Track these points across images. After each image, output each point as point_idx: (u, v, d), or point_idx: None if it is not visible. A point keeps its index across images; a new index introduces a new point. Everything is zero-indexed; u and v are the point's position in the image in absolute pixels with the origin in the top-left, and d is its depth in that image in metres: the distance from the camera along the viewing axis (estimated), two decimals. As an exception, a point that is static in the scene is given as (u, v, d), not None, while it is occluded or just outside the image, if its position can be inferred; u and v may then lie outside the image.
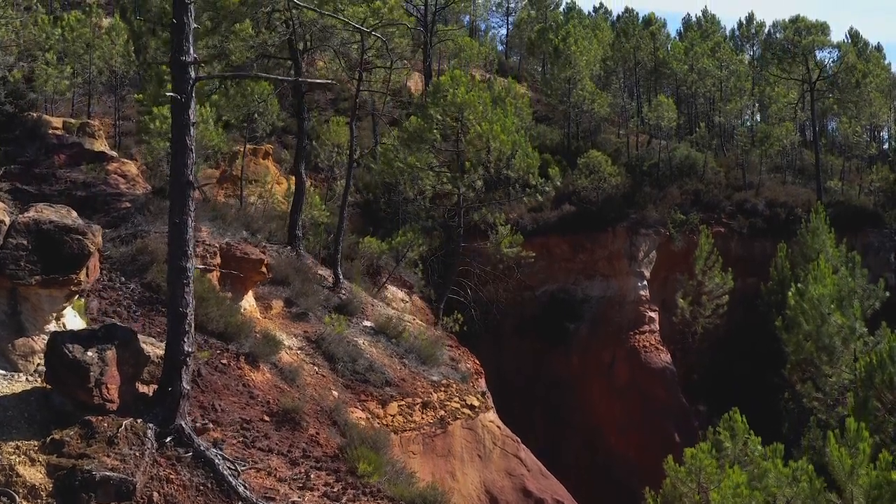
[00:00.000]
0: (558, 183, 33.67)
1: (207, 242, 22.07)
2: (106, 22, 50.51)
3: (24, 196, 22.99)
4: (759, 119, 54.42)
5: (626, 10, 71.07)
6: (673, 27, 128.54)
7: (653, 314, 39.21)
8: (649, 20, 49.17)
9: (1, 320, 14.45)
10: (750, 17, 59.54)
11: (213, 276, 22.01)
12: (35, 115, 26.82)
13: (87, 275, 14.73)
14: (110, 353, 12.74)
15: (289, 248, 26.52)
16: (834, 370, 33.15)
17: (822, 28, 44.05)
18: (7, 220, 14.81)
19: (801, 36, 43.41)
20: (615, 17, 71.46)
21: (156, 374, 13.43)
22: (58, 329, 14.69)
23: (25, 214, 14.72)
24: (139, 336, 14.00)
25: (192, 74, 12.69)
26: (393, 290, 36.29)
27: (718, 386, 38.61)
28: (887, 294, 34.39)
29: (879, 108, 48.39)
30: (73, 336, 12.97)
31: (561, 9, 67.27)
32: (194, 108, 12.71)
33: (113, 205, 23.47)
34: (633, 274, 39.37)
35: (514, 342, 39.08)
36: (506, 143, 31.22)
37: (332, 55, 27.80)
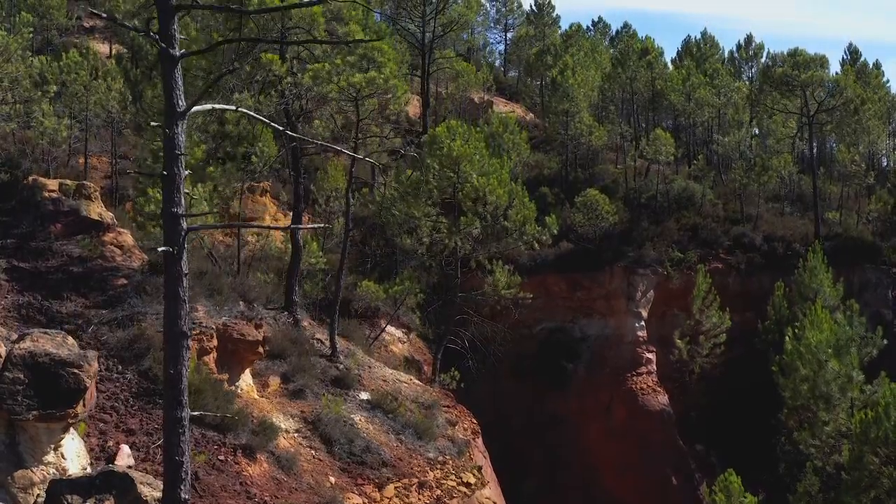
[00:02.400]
0: (555, 231, 33.62)
1: (204, 325, 22.10)
2: (103, 49, 50.59)
3: (20, 275, 23.01)
4: (757, 133, 54.27)
5: (625, 25, 70.92)
6: (672, 36, 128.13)
7: (650, 355, 39.31)
8: (646, 49, 48.96)
9: (0, 451, 14.53)
10: (749, 39, 59.46)
11: (210, 359, 22.09)
12: (30, 179, 26.71)
13: (84, 405, 14.79)
14: (107, 504, 12.81)
15: (286, 313, 26.56)
16: (830, 416, 33.25)
17: (821, 62, 43.94)
18: (3, 351, 14.87)
19: (799, 70, 43.31)
20: (614, 32, 71.45)
21: (153, 516, 13.49)
22: (56, 460, 14.78)
23: (21, 345, 14.75)
24: (135, 473, 14.08)
25: (184, 226, 12.67)
26: (391, 331, 36.41)
27: (716, 425, 38.76)
28: (885, 342, 34.43)
29: (878, 135, 48.31)
30: (72, 485, 13.04)
31: (560, 24, 67.08)
32: (186, 258, 12.71)
33: (109, 281, 23.45)
34: (630, 314, 39.45)
35: (513, 381, 39.16)
36: (502, 196, 31.24)
37: (328, 115, 27.73)
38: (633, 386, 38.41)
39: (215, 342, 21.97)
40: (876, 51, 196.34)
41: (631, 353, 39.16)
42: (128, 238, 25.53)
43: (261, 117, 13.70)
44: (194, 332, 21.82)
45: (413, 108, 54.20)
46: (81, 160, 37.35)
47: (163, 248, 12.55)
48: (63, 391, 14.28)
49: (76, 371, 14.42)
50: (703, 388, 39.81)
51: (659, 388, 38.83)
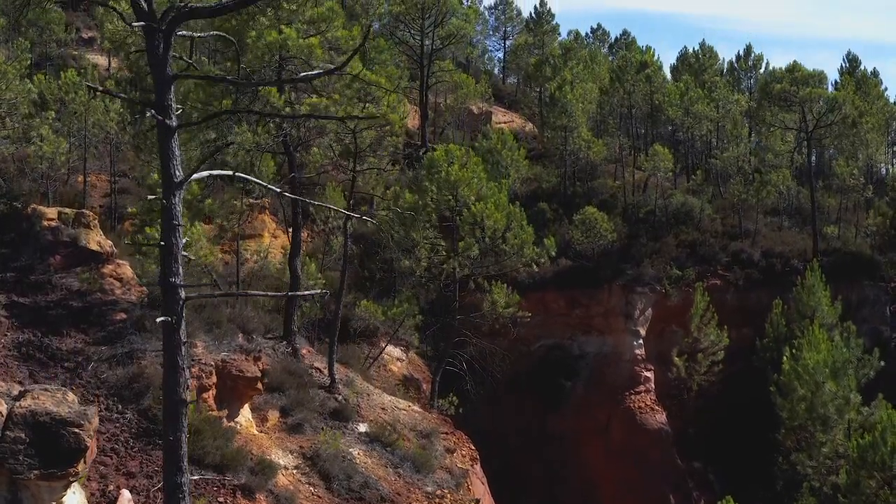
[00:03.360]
0: (553, 253, 33.71)
1: (203, 361, 22.23)
2: (101, 61, 50.51)
3: (20, 311, 23.10)
4: (758, 142, 54.28)
5: (624, 32, 70.93)
6: (672, 37, 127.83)
7: (648, 373, 39.45)
8: (645, 63, 48.96)
9: (1, 508, 14.67)
10: (748, 50, 59.43)
11: (210, 396, 22.22)
12: (30, 209, 26.78)
13: (85, 461, 14.94)
14: (106, 571, 12.92)
15: (284, 342, 26.67)
16: (827, 437, 33.42)
17: (819, 77, 43.99)
18: (4, 410, 14.98)
19: (798, 86, 43.36)
20: (613, 39, 71.41)
21: (152, 579, 13.62)
22: (56, 516, 14.89)
23: (22, 403, 14.89)
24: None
25: (182, 295, 12.77)
26: (390, 349, 36.53)
27: (714, 442, 38.92)
28: (882, 363, 34.58)
29: (876, 148, 48.39)
30: (70, 550, 13.15)
31: (559, 32, 66.84)
32: (184, 327, 12.80)
33: (108, 316, 23.55)
34: (628, 332, 39.58)
35: (511, 398, 39.24)
36: (500, 220, 31.34)
37: (327, 144, 27.83)
38: (632, 405, 38.56)
39: (214, 379, 22.11)
40: (876, 51, 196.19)
41: (629, 372, 39.31)
42: (127, 270, 25.63)
43: (259, 181, 13.78)
44: (193, 370, 22.00)
45: (412, 119, 54.22)
46: (80, 178, 37.43)
47: (161, 319, 12.64)
48: (64, 451, 14.44)
49: (77, 430, 14.57)
50: (702, 405, 39.94)
51: (657, 407, 38.99)
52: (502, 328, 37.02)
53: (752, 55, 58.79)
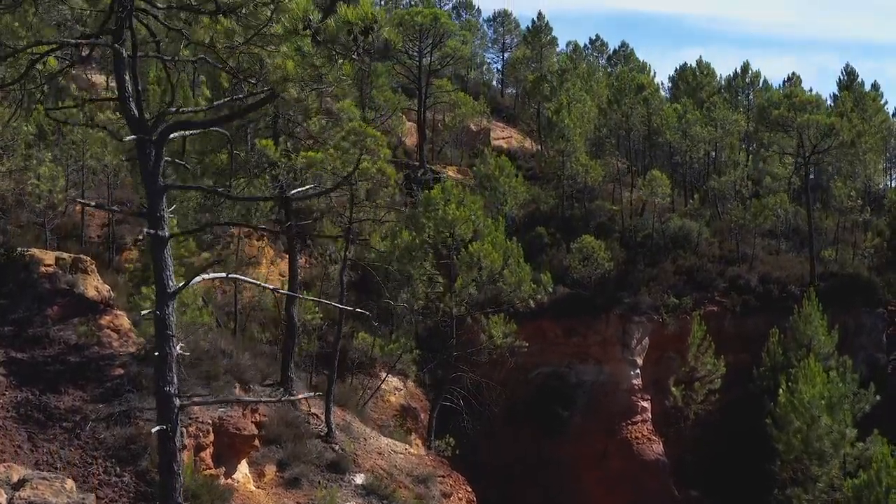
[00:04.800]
0: (550, 289, 33.88)
1: (200, 419, 22.35)
2: (100, 80, 50.55)
3: (18, 367, 23.21)
4: (754, 168, 54.29)
5: (623, 44, 70.91)
6: (671, 39, 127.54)
7: (645, 403, 39.61)
8: (642, 85, 48.98)
9: None
10: (745, 67, 59.37)
11: (207, 454, 22.38)
12: (27, 256, 26.84)
13: (83, 553, 15.07)
14: None
15: (282, 389, 26.81)
16: (823, 471, 33.59)
17: (817, 103, 44.01)
18: (4, 500, 15.13)
19: (795, 113, 43.41)
20: (612, 51, 71.40)
21: None
22: None
23: (21, 494, 15.04)
24: None
25: (177, 403, 12.91)
26: (388, 379, 36.77)
27: (712, 470, 39.08)
28: (878, 398, 34.72)
29: (874, 169, 48.48)
30: None
31: (557, 43, 66.79)
32: (180, 434, 12.94)
33: (106, 372, 23.63)
34: (625, 362, 39.72)
35: (509, 427, 39.40)
36: (497, 259, 31.46)
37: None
38: (629, 435, 38.74)
39: (212, 437, 22.24)
40: (875, 51, 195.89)
41: (626, 401, 39.47)
42: (124, 321, 25.68)
43: (258, 282, 13.90)
44: (190, 429, 22.18)
45: (410, 138, 54.30)
46: (78, 209, 37.53)
47: (157, 428, 12.77)
48: (61, 545, 14.56)
49: (74, 524, 14.70)
50: (699, 433, 40.12)
51: (654, 437, 39.18)
52: (500, 357, 37.22)
53: (750, 72, 58.81)
